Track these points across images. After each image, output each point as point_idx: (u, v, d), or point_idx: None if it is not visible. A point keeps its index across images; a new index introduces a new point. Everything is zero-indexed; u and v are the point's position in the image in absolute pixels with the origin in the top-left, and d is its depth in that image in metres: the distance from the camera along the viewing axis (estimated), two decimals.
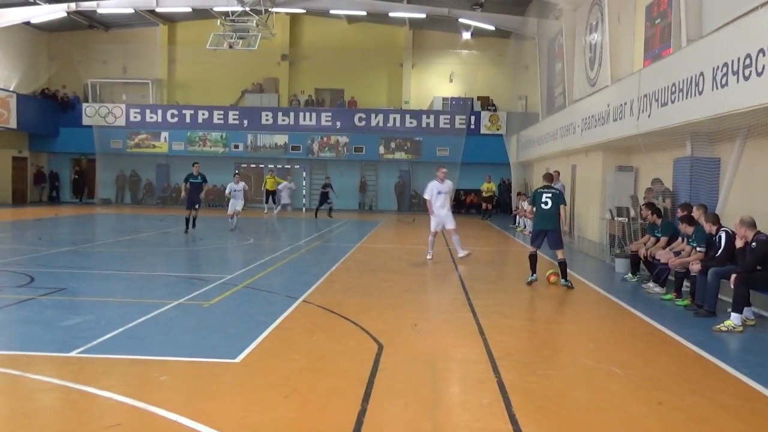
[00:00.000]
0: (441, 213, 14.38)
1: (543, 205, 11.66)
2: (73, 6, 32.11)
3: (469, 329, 8.18)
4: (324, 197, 27.76)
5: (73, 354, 6.53)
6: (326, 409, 5.29)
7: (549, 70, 26.38)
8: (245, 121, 35.23)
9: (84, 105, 35.83)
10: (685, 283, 10.25)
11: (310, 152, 34.96)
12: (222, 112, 35.46)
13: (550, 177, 12.82)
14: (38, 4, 31.53)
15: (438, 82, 37.33)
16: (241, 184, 21.67)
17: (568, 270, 11.72)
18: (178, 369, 6.22)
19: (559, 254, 11.76)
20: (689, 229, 10.38)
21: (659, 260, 11.00)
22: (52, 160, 36.86)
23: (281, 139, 34.94)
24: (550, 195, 11.70)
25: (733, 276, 8.25)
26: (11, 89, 33.21)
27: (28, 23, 33.86)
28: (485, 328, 8.13)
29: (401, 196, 35.88)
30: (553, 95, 25.59)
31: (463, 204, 34.47)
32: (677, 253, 10.66)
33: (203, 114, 35.37)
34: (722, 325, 8.18)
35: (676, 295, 10.21)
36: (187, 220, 19.65)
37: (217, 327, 8.00)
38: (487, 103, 35.72)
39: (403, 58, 37.16)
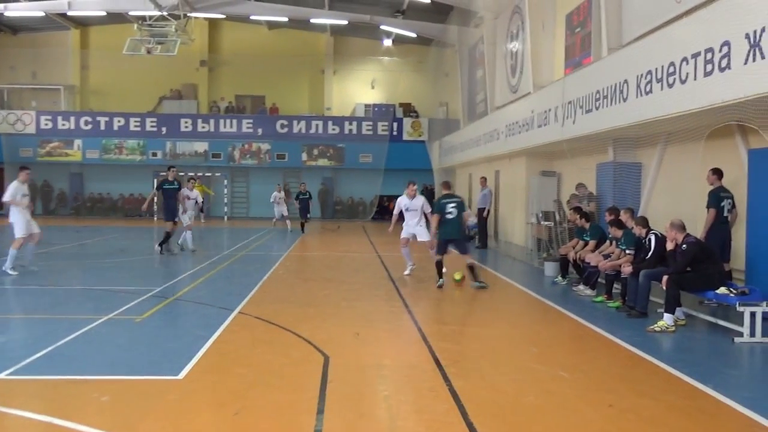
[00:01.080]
0: (411, 226, 13.43)
1: (448, 215, 11.95)
2: None
3: (413, 337, 8.14)
4: (306, 207, 24.65)
5: (1, 376, 6.12)
6: (280, 425, 5.12)
7: (470, 78, 26.78)
8: (163, 129, 34.36)
9: None
10: (615, 285, 10.51)
11: (231, 159, 34.40)
12: (139, 119, 34.49)
13: (448, 185, 13.10)
14: None
15: (360, 88, 37.41)
16: (195, 192, 19.35)
17: (476, 271, 12.19)
18: (119, 388, 5.90)
19: (468, 259, 12.25)
20: (618, 233, 10.64)
21: (589, 263, 11.24)
22: None
23: (201, 146, 34.25)
24: (454, 204, 12.04)
25: (665, 277, 8.48)
26: None
27: None
28: (428, 335, 8.10)
29: (325, 204, 35.67)
30: (474, 102, 25.97)
31: (386, 210, 34.51)
32: (606, 256, 10.92)
33: (119, 121, 34.30)
34: (656, 325, 8.39)
35: (608, 297, 10.45)
36: (168, 235, 16.85)
37: (153, 342, 7.69)
38: (409, 109, 35.99)
39: (325, 64, 37.09)
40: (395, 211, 13.67)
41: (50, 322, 8.57)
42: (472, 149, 23.64)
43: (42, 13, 31.79)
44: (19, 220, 12.66)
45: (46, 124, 34.09)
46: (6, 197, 12.70)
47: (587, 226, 12.14)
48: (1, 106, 34.93)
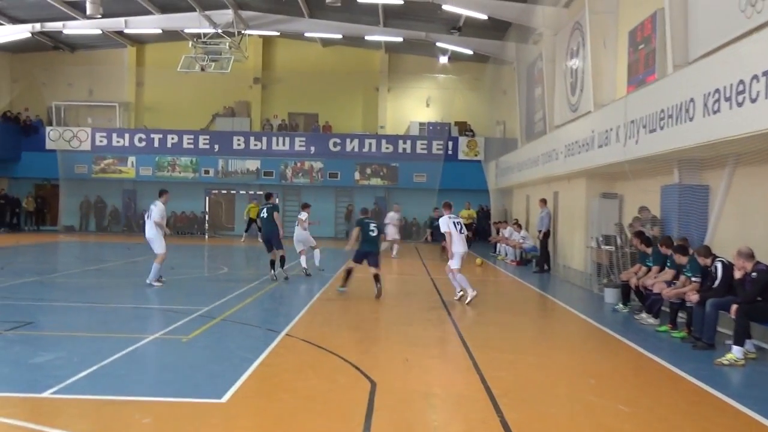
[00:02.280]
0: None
1: (371, 233, 13.84)
2: (38, 26, 31.76)
3: (464, 364, 8.02)
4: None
5: (46, 394, 6.23)
6: None
7: (528, 96, 26.56)
8: (216, 146, 34.86)
9: (48, 128, 35.17)
10: (680, 314, 10.21)
11: (284, 178, 34.70)
12: (192, 137, 35.07)
13: (367, 211, 15.30)
14: (1, 23, 31.13)
15: (414, 106, 37.44)
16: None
17: (379, 284, 13.56)
18: (162, 410, 5.94)
19: (375, 270, 13.67)
20: (683, 259, 10.33)
21: (652, 290, 10.95)
22: (12, 186, 36.03)
23: (253, 164, 34.64)
24: (376, 225, 14.15)
25: (735, 307, 8.19)
26: None
27: None
28: (480, 363, 7.97)
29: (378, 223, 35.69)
30: (532, 121, 25.73)
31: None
32: (671, 283, 10.62)
33: (172, 138, 34.95)
34: (724, 358, 8.10)
35: (672, 327, 10.15)
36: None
37: (198, 364, 7.74)
38: (464, 128, 35.84)
39: (379, 82, 37.24)
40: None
41: (97, 340, 8.70)
42: (529, 169, 23.39)
43: (99, 31, 32.73)
44: (161, 238, 14.54)
45: (101, 141, 34.95)
46: (158, 218, 14.55)
47: (649, 251, 11.85)
48: (58, 122, 35.93)
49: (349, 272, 13.96)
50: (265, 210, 16.37)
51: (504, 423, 5.78)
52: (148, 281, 14.19)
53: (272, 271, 15.97)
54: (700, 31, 12.41)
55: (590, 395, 6.86)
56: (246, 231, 29.85)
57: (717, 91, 10.12)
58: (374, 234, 14.00)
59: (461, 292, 13.34)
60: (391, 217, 24.18)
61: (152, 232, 14.51)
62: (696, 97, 10.80)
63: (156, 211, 14.59)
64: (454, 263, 13.23)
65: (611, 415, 6.16)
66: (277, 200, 27.26)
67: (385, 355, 8.38)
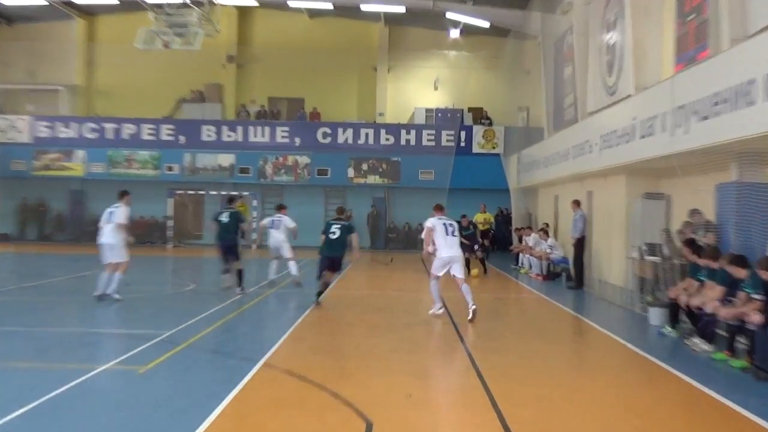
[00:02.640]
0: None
1: (331, 235, 15.15)
2: None
3: (479, 400, 7.99)
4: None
5: None
6: None
7: (556, 76, 26.55)
8: (182, 137, 35.00)
9: None
10: (740, 339, 10.16)
11: (263, 175, 34.78)
12: (153, 126, 35.20)
13: (341, 210, 16.75)
14: None
15: (420, 89, 37.55)
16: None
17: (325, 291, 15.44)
18: None
19: (330, 275, 15.46)
20: (741, 272, 10.30)
21: (705, 310, 10.91)
22: None
23: (226, 159, 34.71)
24: (339, 226, 15.29)
25: None
26: None
27: None
28: (498, 399, 7.94)
29: (375, 230, 35.66)
30: (561, 106, 25.72)
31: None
32: (727, 302, 10.58)
33: (129, 128, 35.10)
34: None
35: (730, 354, 10.10)
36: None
37: (159, 400, 7.74)
38: (480, 115, 35.92)
39: (378, 60, 37.34)
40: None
41: (35, 372, 8.66)
42: (558, 165, 23.37)
43: (43, 1, 32.79)
44: (124, 246, 15.26)
45: (44, 132, 35.04)
46: (124, 219, 15.16)
47: (701, 262, 11.81)
48: None
49: (324, 283, 15.40)
50: (226, 215, 16.85)
51: None
52: (108, 292, 14.68)
53: (240, 284, 16.66)
54: None
55: None
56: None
57: None
58: (335, 236, 15.12)
59: (441, 309, 14.15)
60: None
61: (114, 238, 14.99)
62: (758, 77, 10.78)
63: (120, 213, 15.09)
64: (434, 268, 14.06)
65: None
66: (252, 203, 27.47)
67: (383, 389, 8.34)
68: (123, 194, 15.64)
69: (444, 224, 13.97)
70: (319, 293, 15.11)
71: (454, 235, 13.97)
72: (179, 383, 8.54)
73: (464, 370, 9.49)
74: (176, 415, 7.11)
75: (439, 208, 14.77)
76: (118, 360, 9.34)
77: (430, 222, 14.13)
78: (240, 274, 16.61)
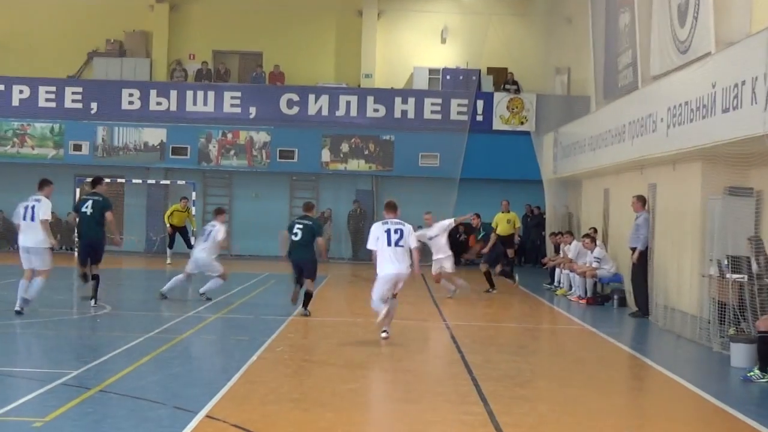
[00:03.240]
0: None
1: (293, 236, 17.15)
2: None
3: None
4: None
5: None
6: None
7: (608, 27, 26.58)
8: (93, 105, 35.07)
9: None
10: None
11: (205, 158, 34.87)
12: (53, 89, 35.24)
13: (308, 206, 18.94)
14: None
15: (421, 42, 37.59)
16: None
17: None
18: None
19: (308, 284, 17.38)
20: None
21: None
22: None
23: (155, 135, 34.84)
24: (301, 226, 17.19)
25: None
26: None
27: None
28: None
29: (359, 235, 35.51)
30: (615, 68, 25.76)
31: (461, 246, 34.33)
32: None
33: (21, 91, 35.15)
34: None
35: None
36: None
37: None
38: (504, 79, 35.97)
39: (363, 2, 37.32)
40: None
41: None
42: (610, 147, 23.39)
43: None
44: (48, 248, 16.30)
45: None
46: (46, 215, 16.35)
47: None
48: None
49: (295, 293, 17.53)
50: (89, 204, 17.50)
51: None
52: (26, 299, 15.81)
53: (93, 296, 17.65)
54: None
55: None
56: (170, 246, 30.39)
57: None
58: (297, 238, 17.25)
59: (384, 334, 14.67)
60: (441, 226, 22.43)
61: (37, 238, 15.99)
62: None
63: (42, 207, 16.09)
64: (375, 293, 14.85)
65: None
66: (191, 195, 27.35)
67: None
68: (44, 184, 16.74)
69: (388, 230, 14.54)
70: (304, 303, 17.43)
71: (397, 245, 14.40)
72: None
73: (480, 426, 9.51)
74: None
75: (390, 208, 15.36)
76: (3, 410, 9.33)
77: (373, 229, 14.93)
78: (97, 282, 17.21)
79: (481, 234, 24.46)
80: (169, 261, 29.94)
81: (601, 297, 21.98)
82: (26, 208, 16.07)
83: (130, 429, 9.03)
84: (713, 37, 17.26)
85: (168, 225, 30.32)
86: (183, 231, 30.07)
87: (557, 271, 25.14)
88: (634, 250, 19.56)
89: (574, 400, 11.35)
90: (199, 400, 10.00)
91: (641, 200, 19.95)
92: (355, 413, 9.93)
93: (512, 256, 29.34)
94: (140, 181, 33.72)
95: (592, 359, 15.04)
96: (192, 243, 28.62)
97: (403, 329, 15.94)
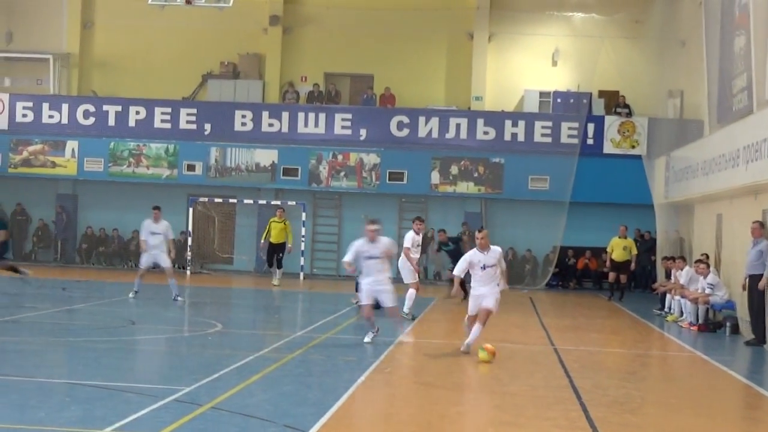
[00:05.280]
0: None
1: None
2: None
3: None
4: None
5: None
6: None
7: (723, 50, 26.24)
8: (207, 126, 35.53)
9: None
10: None
11: (315, 180, 35.13)
12: (169, 110, 35.82)
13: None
14: None
15: (532, 65, 37.48)
16: (164, 224, 23.08)
17: None
18: None
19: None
20: None
21: None
22: None
23: (267, 156, 35.19)
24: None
25: None
26: None
27: None
28: None
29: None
30: (730, 91, 25.39)
31: (571, 270, 34.00)
32: None
33: (137, 112, 35.71)
34: None
35: None
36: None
37: None
38: (615, 102, 35.66)
39: (475, 25, 37.31)
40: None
41: None
42: (723, 172, 23.06)
43: None
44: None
45: (25, 116, 35.84)
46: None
47: None
48: None
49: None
50: None
51: None
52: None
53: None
54: None
55: None
56: (274, 266, 30.22)
57: None
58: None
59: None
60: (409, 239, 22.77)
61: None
62: None
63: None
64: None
65: None
66: (301, 216, 27.66)
67: None
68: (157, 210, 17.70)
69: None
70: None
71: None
72: None
73: None
74: None
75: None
76: (119, 424, 9.46)
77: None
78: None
79: (449, 247, 24.69)
80: (275, 282, 29.67)
81: (713, 324, 21.63)
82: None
83: None
84: None
85: (265, 241, 30.13)
86: (280, 247, 29.70)
87: (668, 296, 24.80)
88: (752, 277, 19.17)
89: (685, 428, 11.21)
90: (308, 420, 10.03)
91: (760, 226, 19.56)
92: None
93: (624, 282, 29.05)
94: (251, 201, 34.03)
95: (704, 387, 14.79)
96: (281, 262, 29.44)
97: (511, 353, 15.89)
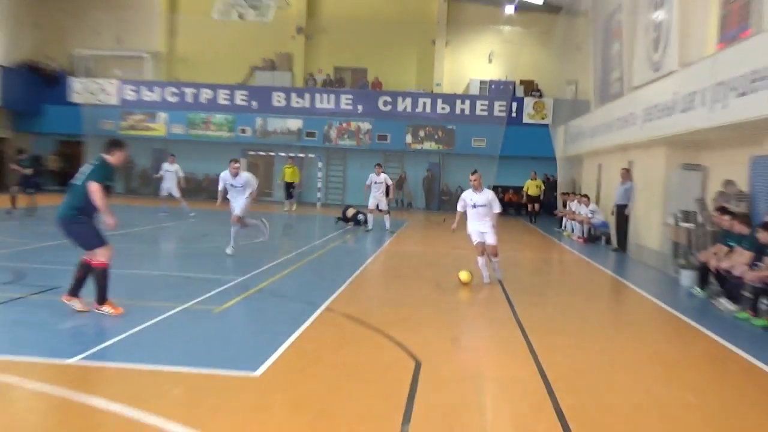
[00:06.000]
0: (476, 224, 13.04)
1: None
2: None
3: (518, 347, 8.19)
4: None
5: (72, 361, 6.64)
6: None
7: (604, 52, 26.23)
8: (254, 103, 35.34)
9: (71, 80, 36.07)
10: (763, 300, 10.17)
11: (327, 139, 35.07)
12: (228, 92, 35.57)
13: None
14: None
15: (475, 62, 37.30)
16: (175, 166, 24.45)
17: None
18: (193, 382, 6.27)
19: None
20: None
21: (734, 273, 10.92)
22: (36, 142, 36.65)
23: (295, 123, 35.08)
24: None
25: None
26: None
27: None
28: (535, 346, 8.13)
29: (430, 192, 35.84)
30: (608, 81, 25.43)
31: (501, 203, 34.19)
32: (754, 266, 10.57)
33: (207, 93, 35.52)
34: None
35: (753, 314, 10.12)
36: None
37: (231, 336, 8.12)
38: (531, 88, 35.62)
39: (436, 34, 37.17)
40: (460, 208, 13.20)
41: (125, 308, 8.96)
42: (602, 136, 23.21)
43: None
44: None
45: (130, 95, 35.70)
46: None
47: (734, 229, 11.78)
48: (84, 74, 36.75)
49: None
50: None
51: (558, 409, 5.96)
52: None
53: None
54: None
55: (655, 384, 6.99)
56: (288, 198, 30.30)
57: None
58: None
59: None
60: (369, 178, 22.46)
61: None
62: None
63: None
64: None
65: (677, 405, 6.29)
66: (318, 164, 27.13)
67: (432, 334, 8.56)
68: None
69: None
70: None
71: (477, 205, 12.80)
72: (250, 322, 8.91)
73: (506, 321, 9.64)
74: (246, 349, 7.46)
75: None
76: (196, 300, 9.70)
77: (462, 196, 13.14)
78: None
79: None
80: (286, 208, 29.65)
81: (593, 237, 21.89)
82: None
83: (275, 315, 9.36)
84: (677, 60, 17.00)
85: (281, 181, 30.58)
86: (292, 185, 30.14)
87: (564, 219, 25.04)
88: (618, 206, 19.42)
89: (571, 305, 11.49)
90: (321, 298, 10.30)
91: (626, 172, 19.75)
92: (423, 310, 10.06)
93: (537, 210, 29.31)
94: (284, 154, 33.89)
95: (585, 279, 15.03)
96: (293, 195, 30.06)
97: (457, 256, 16.04)
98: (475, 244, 12.80)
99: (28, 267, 11.91)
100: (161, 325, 8.27)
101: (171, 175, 24.79)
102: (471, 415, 5.85)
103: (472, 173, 12.96)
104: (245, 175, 14.95)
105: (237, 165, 14.95)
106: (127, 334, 7.65)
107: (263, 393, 6.10)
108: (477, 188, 12.78)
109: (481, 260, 12.75)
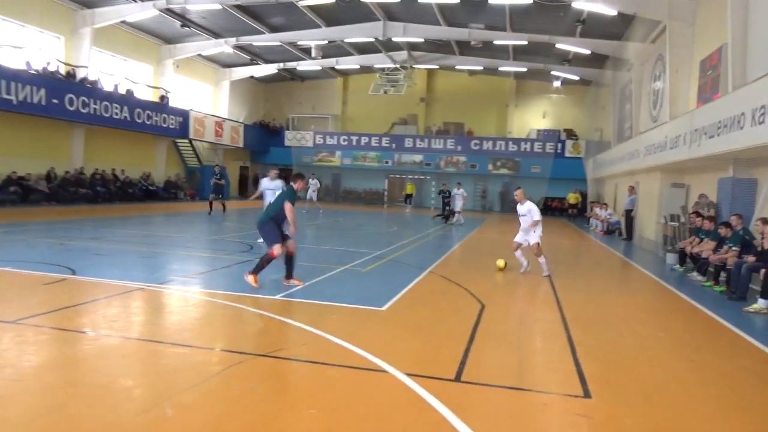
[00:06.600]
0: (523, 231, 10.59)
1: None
2: (281, 65, 34.01)
3: (549, 299, 8.08)
4: (444, 202, 23.48)
5: (277, 297, 7.09)
6: (443, 345, 5.48)
7: (620, 110, 24.99)
8: (393, 145, 35.54)
9: (286, 132, 37.38)
10: (722, 273, 9.56)
11: (438, 167, 34.95)
12: (377, 138, 35.89)
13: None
14: (258, 63, 33.62)
15: (534, 117, 36.21)
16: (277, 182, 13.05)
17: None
18: (345, 312, 6.58)
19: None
20: (728, 233, 9.66)
21: (702, 256, 10.30)
22: (262, 170, 38.34)
23: (418, 157, 35.14)
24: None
25: (764, 270, 7.64)
26: (240, 121, 35.62)
27: (251, 77, 36.20)
28: (561, 299, 8.00)
29: (504, 200, 35.12)
30: (623, 128, 24.22)
31: (549, 208, 33.21)
32: (716, 251, 9.94)
33: (365, 139, 36.03)
34: (750, 307, 7.61)
35: (715, 283, 9.55)
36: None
37: (370, 286, 8.37)
38: (570, 133, 34.22)
39: (509, 100, 36.30)
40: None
41: (308, 269, 9.35)
42: (618, 164, 22.14)
43: (320, 67, 34.49)
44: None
45: (319, 141, 36.73)
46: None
47: (704, 226, 11.09)
48: (293, 128, 38.27)
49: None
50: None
51: (569, 337, 5.90)
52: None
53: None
54: (756, 60, 11.32)
55: (638, 324, 6.76)
56: (406, 202, 30.82)
57: (763, 107, 9.28)
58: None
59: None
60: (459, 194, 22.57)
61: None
62: (746, 111, 9.94)
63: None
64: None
65: (649, 338, 6.09)
66: (431, 183, 26.96)
67: (494, 289, 8.59)
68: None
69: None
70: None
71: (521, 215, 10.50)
72: (382, 278, 9.14)
73: (544, 282, 9.52)
74: (380, 293, 7.70)
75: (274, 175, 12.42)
76: (351, 264, 10.03)
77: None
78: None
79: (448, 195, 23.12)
80: (407, 210, 29.44)
81: (610, 231, 20.96)
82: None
83: (398, 275, 9.41)
84: (668, 114, 16.12)
85: (404, 193, 30.88)
86: (410, 196, 30.51)
87: (591, 219, 24.06)
88: (627, 211, 18.56)
89: (588, 274, 11.12)
90: (428, 265, 10.43)
91: (631, 188, 18.91)
92: (492, 276, 10.04)
93: (575, 213, 28.35)
94: (412, 176, 33.81)
95: (602, 258, 14.46)
96: (411, 201, 30.35)
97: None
98: (513, 242, 10.63)
99: (255, 243, 12.46)
100: (329, 278, 8.62)
101: (310, 190, 24.84)
102: (512, 338, 5.88)
103: (516, 189, 10.71)
104: (279, 182, 12.27)
105: (276, 172, 12.81)
106: (309, 283, 8.04)
107: (387, 320, 6.34)
108: (519, 200, 10.53)
109: (517, 253, 10.54)
